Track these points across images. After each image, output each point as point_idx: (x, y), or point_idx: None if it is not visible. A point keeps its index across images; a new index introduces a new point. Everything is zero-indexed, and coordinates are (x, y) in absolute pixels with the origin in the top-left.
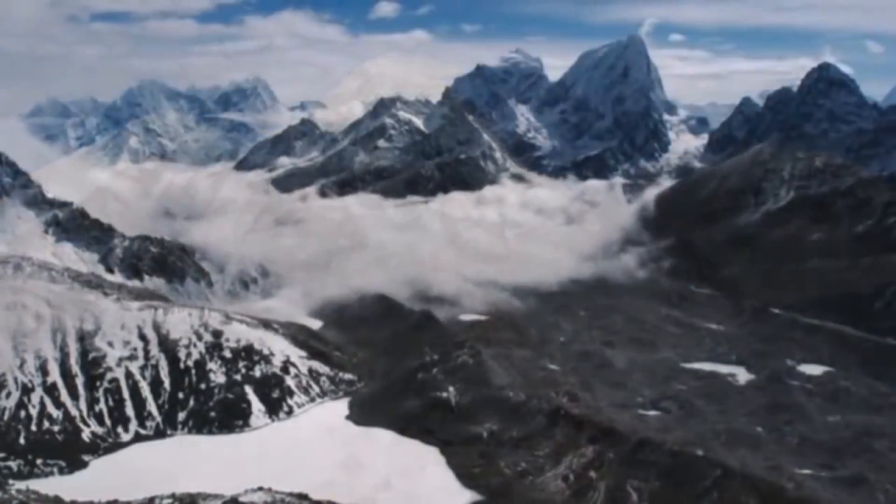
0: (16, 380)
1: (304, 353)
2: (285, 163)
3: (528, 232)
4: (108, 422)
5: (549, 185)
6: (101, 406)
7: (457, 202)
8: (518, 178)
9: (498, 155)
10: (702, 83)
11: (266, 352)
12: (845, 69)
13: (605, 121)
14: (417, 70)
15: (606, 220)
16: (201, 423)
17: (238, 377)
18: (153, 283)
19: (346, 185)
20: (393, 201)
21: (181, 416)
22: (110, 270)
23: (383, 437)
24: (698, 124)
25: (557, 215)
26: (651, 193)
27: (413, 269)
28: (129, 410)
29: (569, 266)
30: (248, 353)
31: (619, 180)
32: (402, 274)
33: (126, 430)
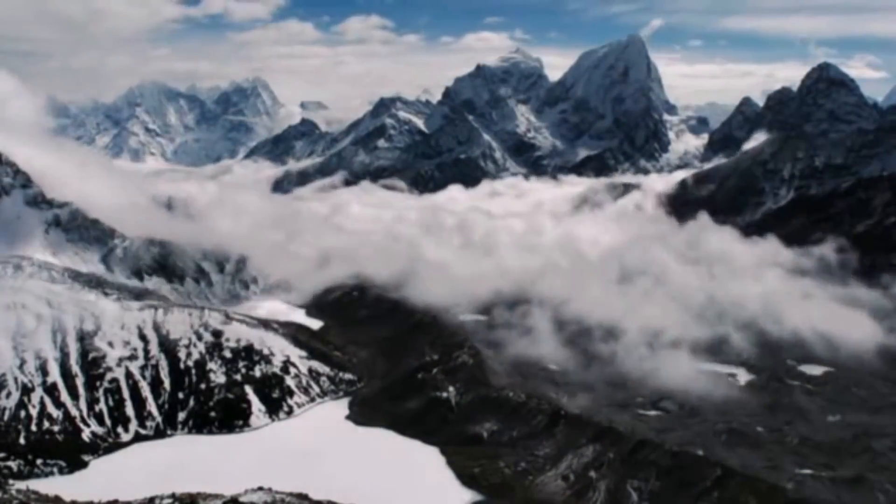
0: (16, 380)
1: (304, 353)
2: (285, 163)
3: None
4: (108, 422)
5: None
6: (101, 406)
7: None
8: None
9: (498, 155)
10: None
11: (266, 352)
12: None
13: (605, 121)
14: None
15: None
16: (201, 423)
17: (238, 377)
18: (153, 283)
19: (346, 185)
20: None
21: (181, 416)
22: (110, 270)
23: (383, 437)
24: (698, 124)
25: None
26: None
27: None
28: (129, 410)
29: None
30: (248, 353)
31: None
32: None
33: (126, 430)
